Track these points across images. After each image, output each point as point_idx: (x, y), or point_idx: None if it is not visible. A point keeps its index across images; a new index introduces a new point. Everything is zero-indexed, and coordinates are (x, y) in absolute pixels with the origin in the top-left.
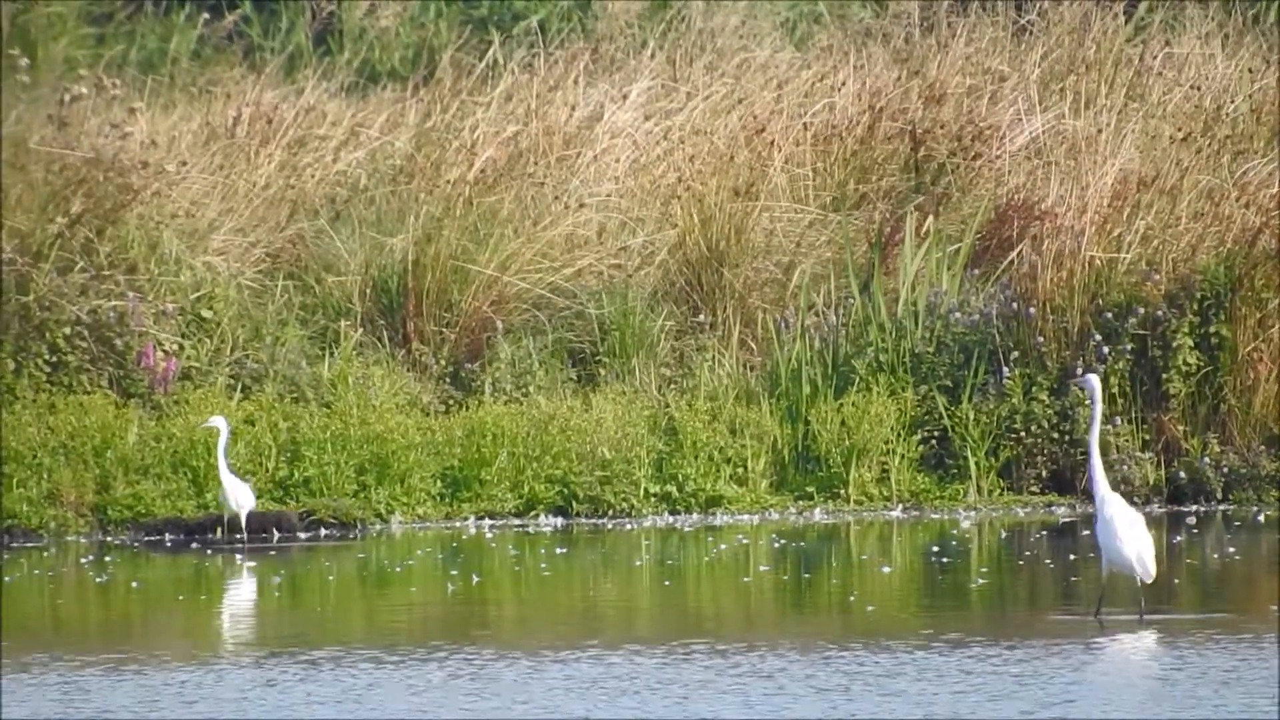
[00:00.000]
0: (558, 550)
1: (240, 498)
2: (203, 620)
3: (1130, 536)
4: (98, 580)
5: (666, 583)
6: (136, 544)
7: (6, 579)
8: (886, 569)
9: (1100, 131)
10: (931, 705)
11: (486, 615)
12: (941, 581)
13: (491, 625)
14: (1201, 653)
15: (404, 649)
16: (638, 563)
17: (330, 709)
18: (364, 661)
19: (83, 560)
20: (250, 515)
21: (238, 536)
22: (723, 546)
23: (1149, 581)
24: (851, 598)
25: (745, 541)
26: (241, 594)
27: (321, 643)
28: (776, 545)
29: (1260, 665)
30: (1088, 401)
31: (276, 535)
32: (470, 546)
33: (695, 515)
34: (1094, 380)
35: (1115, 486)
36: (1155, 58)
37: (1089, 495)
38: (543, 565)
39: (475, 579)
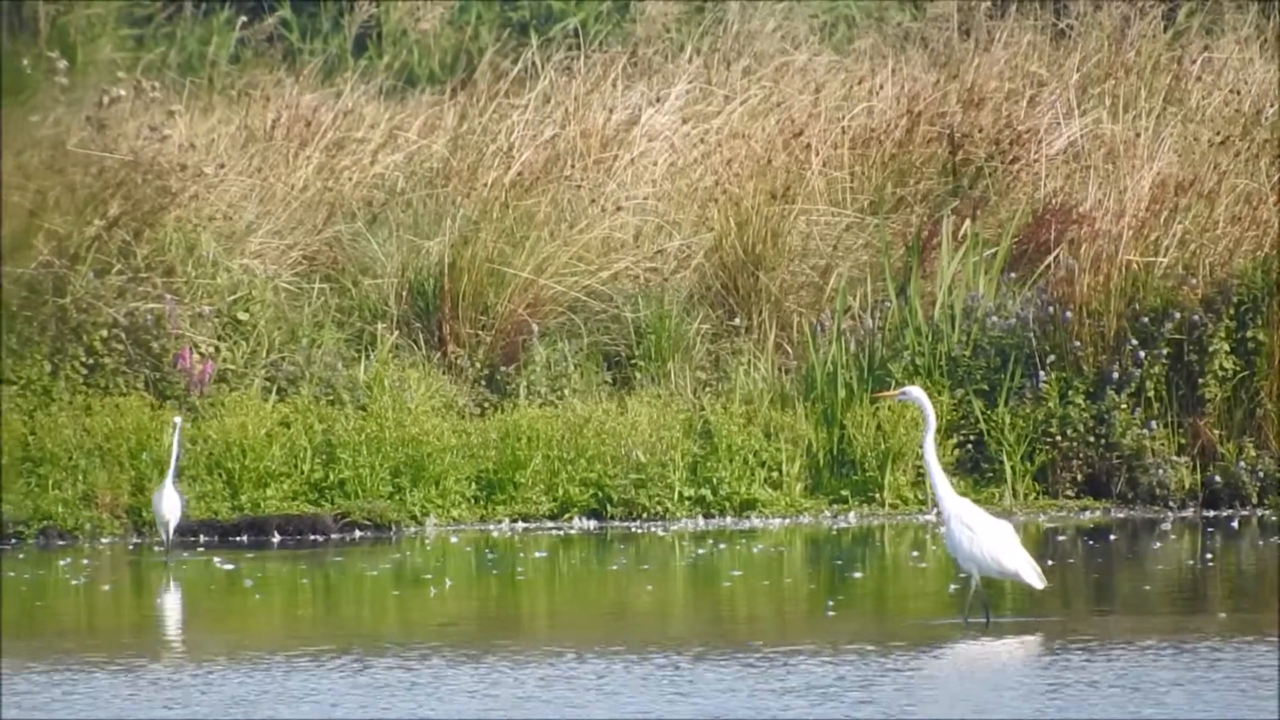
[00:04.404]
0: (590, 553)
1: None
2: (235, 621)
3: (993, 538)
4: (129, 581)
5: (649, 587)
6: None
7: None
8: (858, 574)
9: (1138, 135)
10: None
11: (516, 617)
12: (906, 587)
13: (521, 626)
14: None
15: (430, 650)
16: (608, 566)
17: (350, 711)
18: (388, 662)
19: (66, 563)
20: (271, 519)
21: (159, 543)
22: (686, 554)
23: (1038, 587)
24: (831, 603)
25: (721, 547)
26: (275, 595)
27: (346, 644)
28: (774, 552)
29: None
30: (924, 412)
31: (277, 538)
32: (503, 549)
33: (729, 518)
34: (915, 391)
35: (1150, 490)
36: (1194, 62)
37: (937, 506)
38: (523, 570)
39: (508, 581)
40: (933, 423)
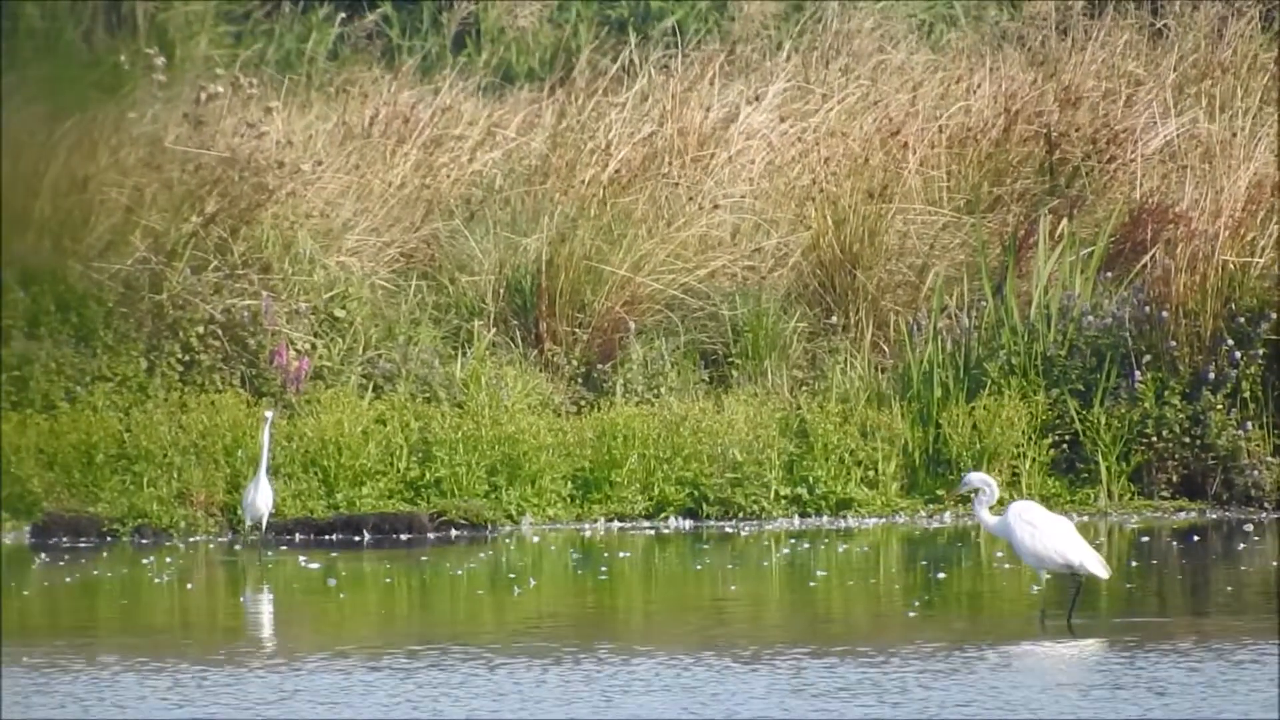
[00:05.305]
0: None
1: (266, 502)
2: (313, 622)
3: (1055, 532)
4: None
5: (732, 587)
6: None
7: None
8: (944, 575)
9: (1235, 135)
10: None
11: (601, 617)
12: (991, 587)
13: (601, 627)
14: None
15: (507, 650)
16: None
17: (405, 711)
18: (478, 661)
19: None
20: (369, 516)
21: (253, 538)
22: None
23: (1104, 577)
24: (915, 603)
25: (807, 547)
26: (361, 595)
27: (420, 644)
28: (865, 551)
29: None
30: (981, 489)
31: (369, 537)
32: (598, 548)
33: (825, 518)
34: (974, 478)
35: (1246, 491)
36: None
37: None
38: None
39: (596, 581)
40: (995, 496)
